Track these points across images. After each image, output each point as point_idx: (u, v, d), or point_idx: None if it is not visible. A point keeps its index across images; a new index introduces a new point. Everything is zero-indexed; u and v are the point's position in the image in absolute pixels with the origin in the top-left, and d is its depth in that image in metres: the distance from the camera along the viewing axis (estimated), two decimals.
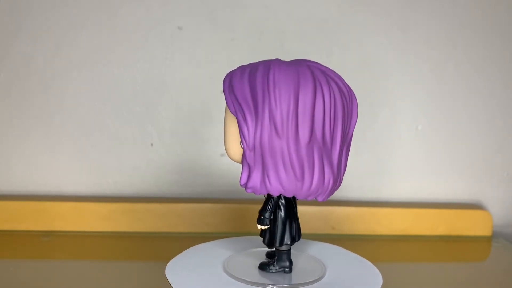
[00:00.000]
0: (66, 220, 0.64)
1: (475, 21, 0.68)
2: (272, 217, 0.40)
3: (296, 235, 0.40)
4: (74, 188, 0.68)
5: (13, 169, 0.67)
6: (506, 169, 0.72)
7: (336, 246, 0.48)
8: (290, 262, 0.41)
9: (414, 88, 0.69)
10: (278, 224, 0.39)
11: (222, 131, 0.67)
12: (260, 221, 0.39)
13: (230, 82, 0.38)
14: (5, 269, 0.54)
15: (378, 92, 0.69)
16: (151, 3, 0.65)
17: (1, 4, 0.64)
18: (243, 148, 0.37)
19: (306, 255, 0.45)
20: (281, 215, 0.39)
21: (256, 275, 0.40)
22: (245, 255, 0.44)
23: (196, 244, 0.46)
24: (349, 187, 0.70)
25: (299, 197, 0.38)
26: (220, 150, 0.68)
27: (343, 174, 0.40)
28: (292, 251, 0.42)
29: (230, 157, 0.40)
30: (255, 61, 0.39)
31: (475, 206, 0.71)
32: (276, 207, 0.39)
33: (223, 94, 0.38)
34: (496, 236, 0.69)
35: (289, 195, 0.38)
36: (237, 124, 0.38)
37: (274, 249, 0.42)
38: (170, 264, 0.42)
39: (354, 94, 0.39)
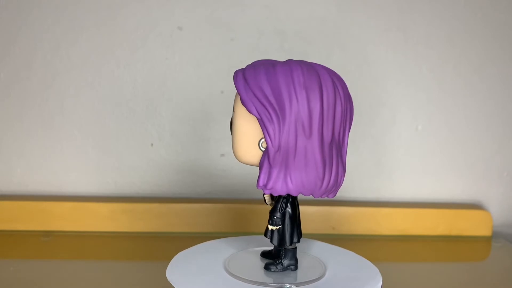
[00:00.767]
0: (66, 220, 0.64)
1: (474, 22, 0.68)
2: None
3: (300, 234, 0.41)
4: (74, 188, 0.68)
5: (13, 169, 0.67)
6: (506, 169, 0.72)
7: (336, 246, 0.48)
8: (296, 260, 0.41)
9: (414, 88, 0.69)
10: (288, 223, 0.40)
11: (222, 131, 0.68)
12: (272, 222, 0.40)
13: (245, 81, 0.37)
14: (5, 269, 0.54)
15: (378, 92, 0.69)
16: (151, 3, 0.65)
17: (1, 4, 0.64)
18: (265, 148, 0.37)
19: (306, 254, 0.45)
20: (290, 215, 0.40)
21: (257, 274, 0.40)
22: (245, 254, 0.44)
23: (196, 244, 0.46)
24: (349, 187, 0.70)
25: (316, 195, 0.39)
26: (220, 150, 0.68)
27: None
28: None
29: (238, 158, 0.39)
30: (255, 61, 0.39)
31: (475, 206, 0.71)
32: (286, 207, 0.40)
33: (237, 92, 0.38)
34: (496, 236, 0.69)
35: (307, 194, 0.38)
36: (251, 124, 0.37)
37: (274, 248, 0.42)
38: (171, 264, 0.42)
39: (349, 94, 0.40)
